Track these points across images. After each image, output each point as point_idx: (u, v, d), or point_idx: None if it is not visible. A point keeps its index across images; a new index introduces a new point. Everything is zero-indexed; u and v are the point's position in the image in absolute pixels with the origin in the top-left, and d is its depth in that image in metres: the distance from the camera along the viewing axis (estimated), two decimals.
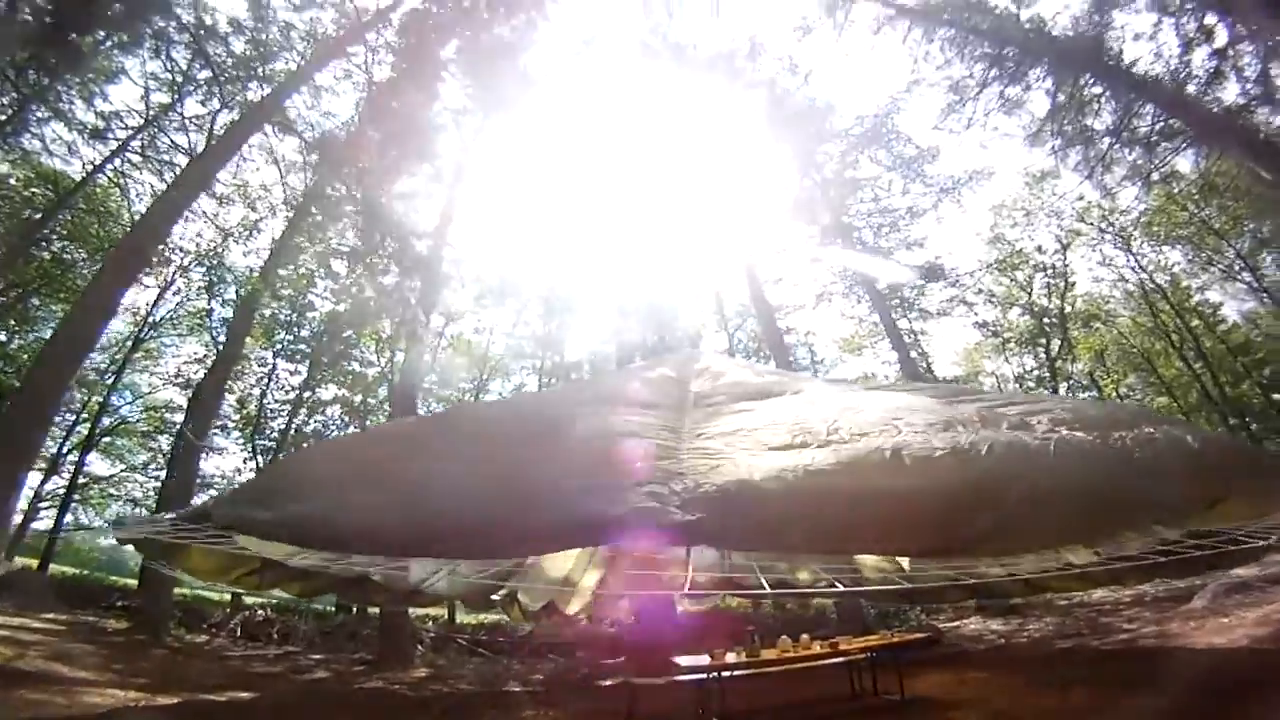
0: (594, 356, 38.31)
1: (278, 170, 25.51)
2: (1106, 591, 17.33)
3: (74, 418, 29.16)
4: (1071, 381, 37.06)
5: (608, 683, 12.33)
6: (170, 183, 20.30)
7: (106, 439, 30.39)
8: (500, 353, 37.77)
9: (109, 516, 30.49)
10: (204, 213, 26.40)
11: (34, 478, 26.67)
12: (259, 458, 27.85)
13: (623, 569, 12.29)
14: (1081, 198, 30.52)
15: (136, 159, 25.01)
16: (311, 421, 29.42)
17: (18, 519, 26.19)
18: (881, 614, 18.50)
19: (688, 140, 32.28)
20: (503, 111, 27.15)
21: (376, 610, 18.16)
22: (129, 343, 30.11)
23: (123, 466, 31.67)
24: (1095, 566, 7.69)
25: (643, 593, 12.53)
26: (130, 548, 7.58)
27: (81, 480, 29.53)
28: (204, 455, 23.58)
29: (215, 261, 29.06)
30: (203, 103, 25.08)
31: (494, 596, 11.83)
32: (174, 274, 29.03)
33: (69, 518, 29.24)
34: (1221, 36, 18.01)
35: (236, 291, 28.53)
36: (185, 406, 26.59)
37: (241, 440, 29.71)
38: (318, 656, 15.79)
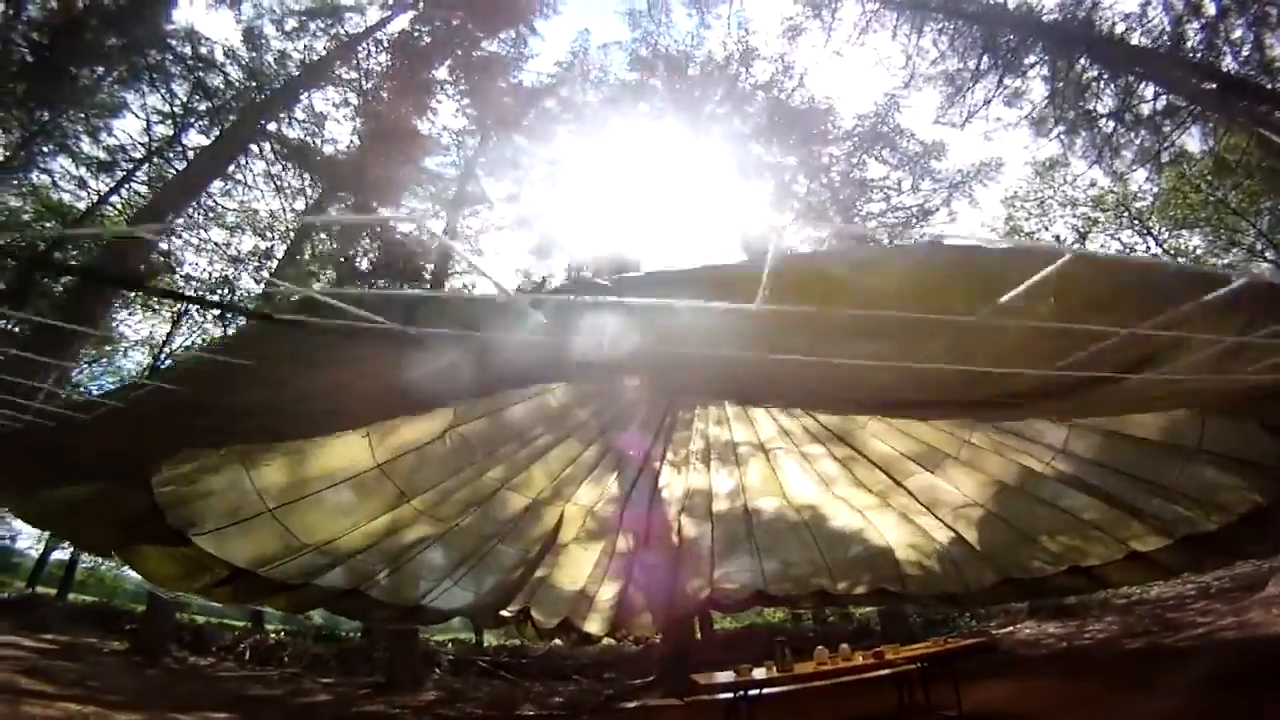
0: None
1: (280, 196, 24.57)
2: (1166, 586, 15.76)
3: None
4: None
5: (630, 705, 10.89)
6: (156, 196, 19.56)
7: None
8: None
9: None
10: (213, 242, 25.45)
11: None
12: None
13: (645, 580, 11.02)
14: (1093, 184, 29.04)
15: (143, 189, 24.35)
16: None
17: (38, 549, 25.33)
18: (928, 622, 16.92)
19: (686, 151, 31.17)
20: (500, 127, 26.26)
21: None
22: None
23: None
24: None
25: (666, 607, 11.42)
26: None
27: None
28: None
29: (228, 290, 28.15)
30: (204, 133, 24.52)
31: (504, 614, 10.49)
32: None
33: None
34: (1210, 8, 17.41)
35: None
36: None
37: None
38: (327, 680, 14.72)
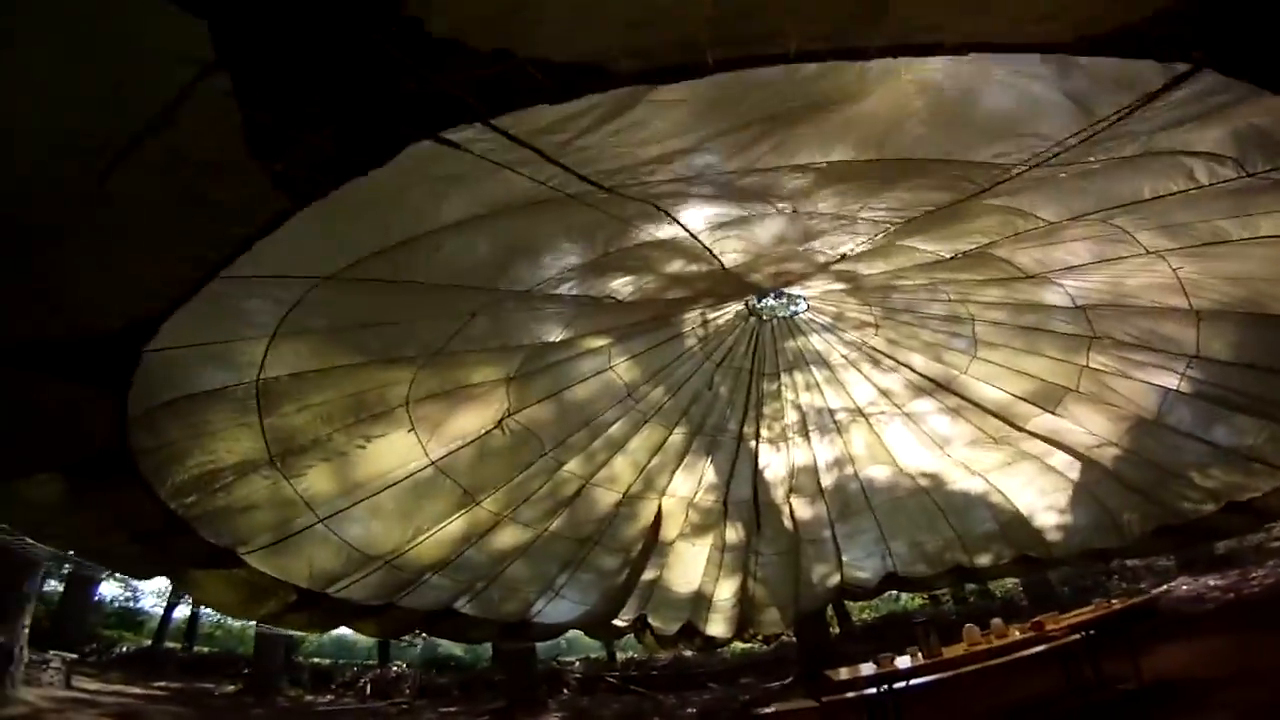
0: None
1: None
2: None
3: None
4: None
5: (765, 711, 9.70)
6: None
7: None
8: None
9: None
10: None
11: None
12: None
13: (765, 573, 9.92)
14: None
15: None
16: None
17: (161, 605, 25.89)
18: (1077, 590, 14.95)
19: None
20: None
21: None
22: None
23: None
24: None
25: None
26: None
27: None
28: None
29: None
30: None
31: (619, 623, 9.61)
32: None
33: None
34: None
35: None
36: None
37: None
38: (447, 709, 14.18)
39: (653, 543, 9.07)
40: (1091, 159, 3.69)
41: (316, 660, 19.89)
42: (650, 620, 9.99)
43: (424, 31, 2.22)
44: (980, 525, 9.54)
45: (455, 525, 6.86)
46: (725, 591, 10.01)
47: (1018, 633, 6.96)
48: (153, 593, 26.83)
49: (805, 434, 9.22)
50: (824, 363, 8.53)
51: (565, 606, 9.19)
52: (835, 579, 10.00)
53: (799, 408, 8.99)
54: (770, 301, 7.56)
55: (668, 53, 2.55)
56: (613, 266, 4.65)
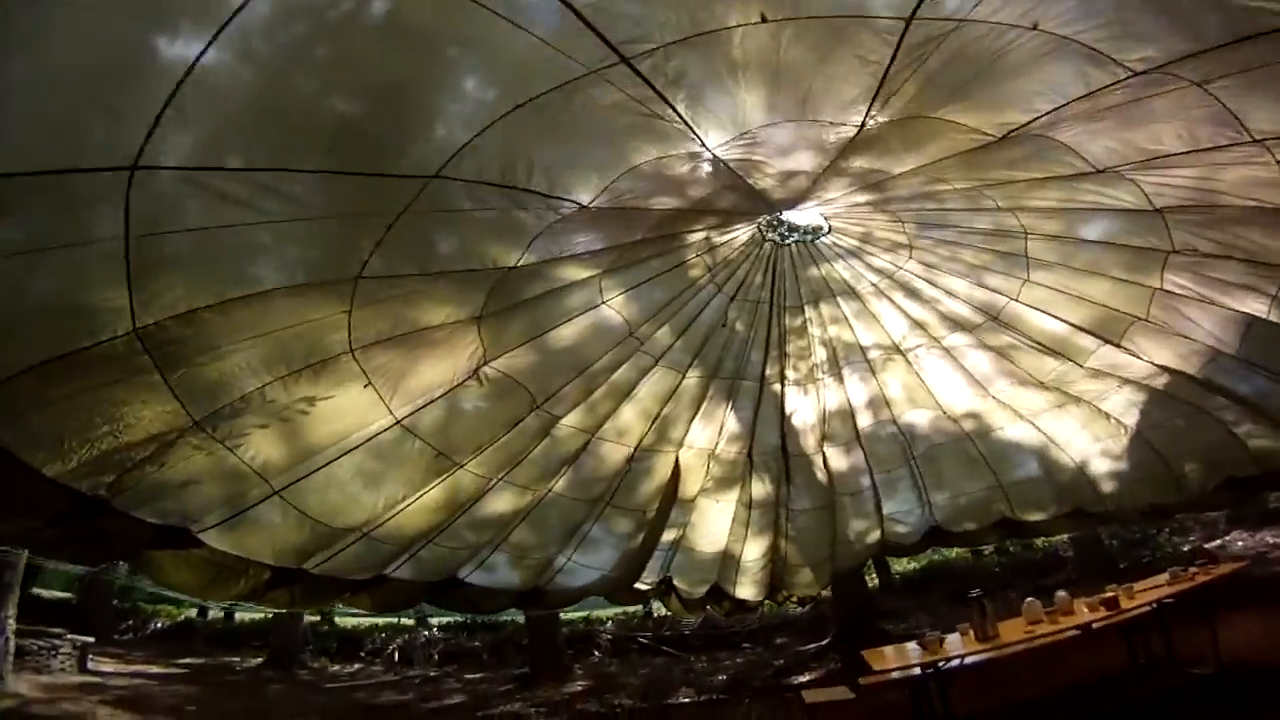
0: None
1: None
2: None
3: None
4: None
5: (799, 681, 9.01)
6: None
7: None
8: None
9: None
10: None
11: None
12: None
13: (796, 531, 9.15)
14: None
15: None
16: None
17: None
18: (1126, 543, 14.09)
19: None
20: None
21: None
22: None
23: None
24: None
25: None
26: None
27: None
28: None
29: None
30: None
31: (642, 586, 9.00)
32: None
33: None
34: None
35: None
36: None
37: None
38: (473, 675, 13.88)
39: (671, 500, 8.24)
40: None
41: (352, 625, 19.64)
42: (675, 583, 9.37)
43: None
44: (1028, 476, 8.76)
45: (437, 492, 6.04)
46: (754, 551, 9.25)
47: (1086, 609, 5.89)
48: None
49: (837, 374, 8.25)
50: (852, 293, 7.50)
51: (581, 571, 8.58)
52: (875, 535, 9.24)
53: (827, 344, 7.99)
54: (789, 217, 6.48)
55: None
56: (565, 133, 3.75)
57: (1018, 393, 8.02)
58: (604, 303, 5.92)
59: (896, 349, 7.96)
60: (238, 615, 19.63)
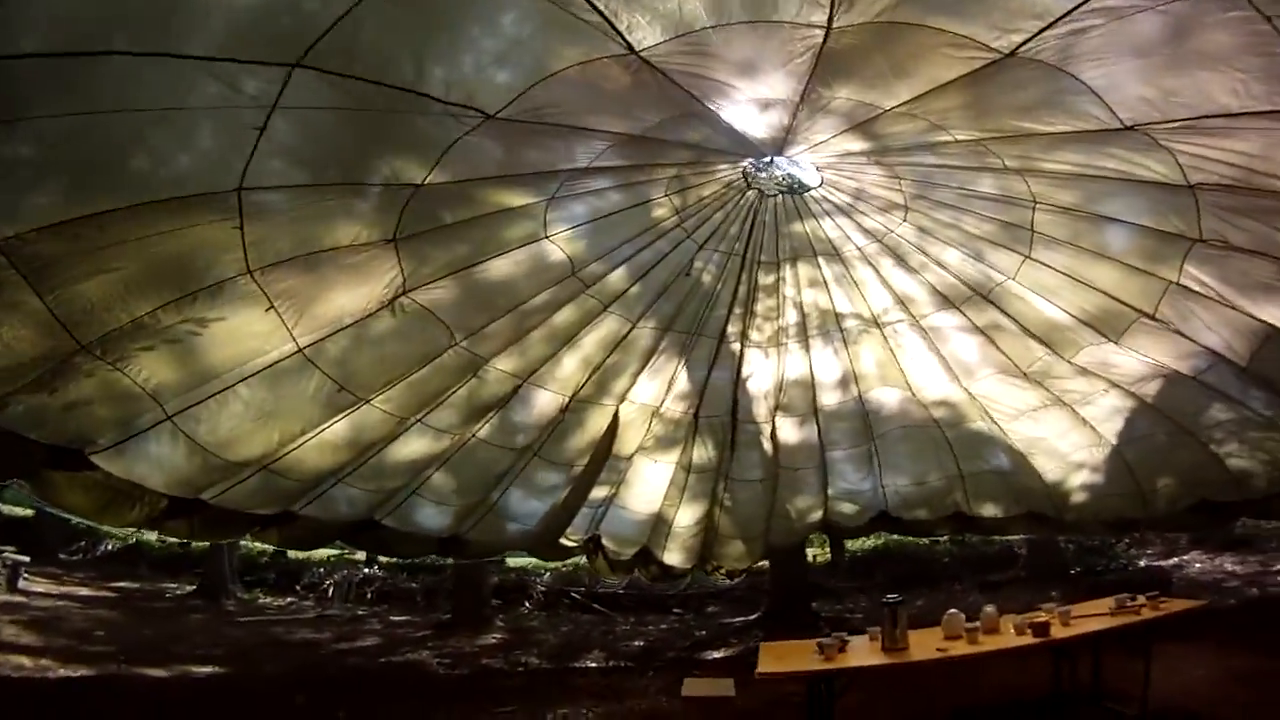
0: None
1: None
2: None
3: None
4: None
5: (723, 653, 8.88)
6: None
7: None
8: None
9: None
10: None
11: None
12: None
13: (734, 501, 9.06)
14: None
15: None
16: None
17: None
18: (1083, 549, 14.17)
19: None
20: None
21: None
22: None
23: None
24: None
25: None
26: None
27: None
28: None
29: None
30: None
31: (567, 543, 9.01)
32: None
33: None
34: None
35: None
36: None
37: None
38: (398, 618, 13.87)
39: (604, 457, 8.12)
40: None
41: (302, 557, 19.54)
42: (604, 543, 9.30)
43: None
44: (990, 471, 8.65)
45: (341, 428, 5.81)
46: (687, 517, 9.18)
47: (1012, 630, 5.52)
48: None
49: (805, 341, 8.00)
50: (836, 255, 7.10)
51: (503, 524, 8.48)
52: (818, 514, 9.25)
53: (799, 307, 7.71)
54: (782, 163, 6.06)
55: None
56: None
57: (997, 386, 7.82)
58: (546, 237, 5.52)
59: (875, 322, 7.70)
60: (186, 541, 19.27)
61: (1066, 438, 7.96)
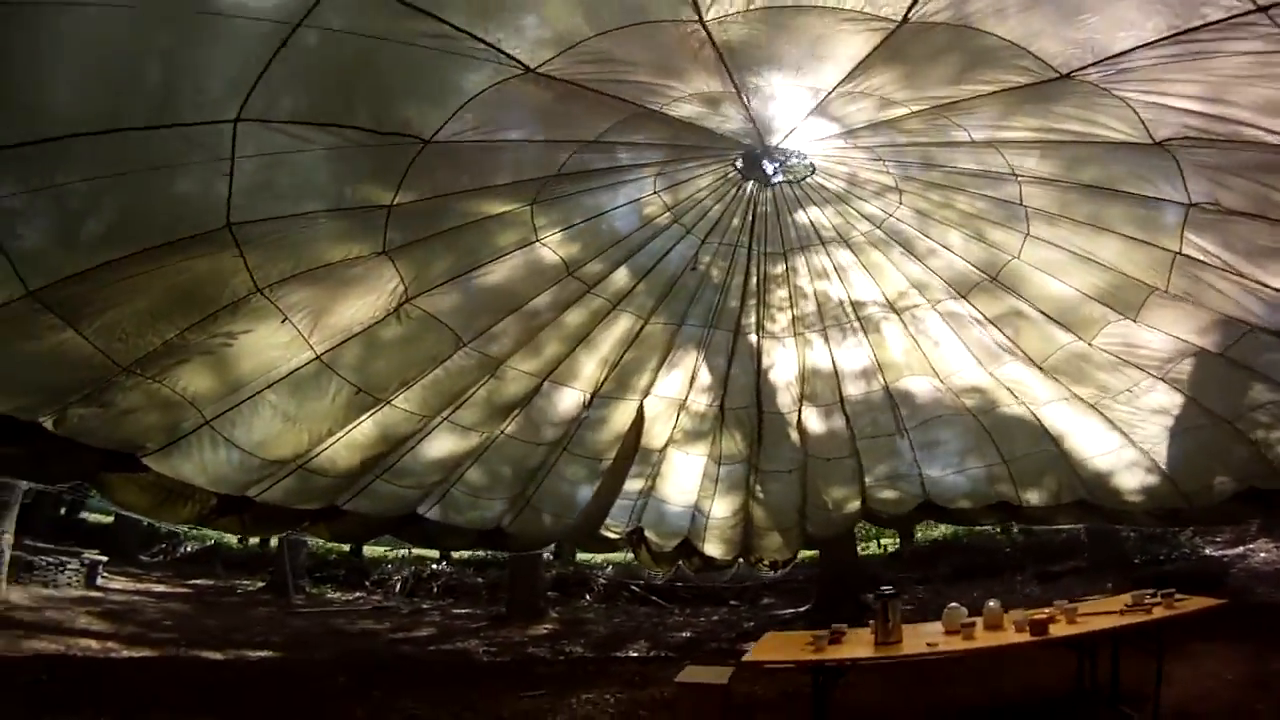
0: None
1: None
2: None
3: None
4: None
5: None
6: None
7: None
8: None
9: None
10: None
11: None
12: None
13: (766, 492, 9.26)
14: None
15: None
16: None
17: None
18: (1146, 537, 13.43)
19: None
20: None
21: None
22: None
23: None
24: None
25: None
26: None
27: None
28: None
29: None
30: None
31: (610, 534, 9.43)
32: None
33: None
34: None
35: None
36: None
37: None
38: (460, 611, 14.71)
39: (632, 449, 8.53)
40: None
41: (379, 554, 21.14)
42: (646, 534, 9.71)
43: None
44: (1035, 458, 8.47)
45: (367, 427, 6.40)
46: (723, 509, 9.52)
47: (1013, 628, 5.46)
48: None
49: (824, 331, 8.16)
50: (842, 242, 7.22)
51: (540, 517, 8.92)
52: (855, 504, 9.33)
53: (812, 297, 7.88)
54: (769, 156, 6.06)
55: None
56: None
57: (1024, 373, 7.78)
58: (538, 241, 5.99)
59: (891, 308, 7.79)
60: (253, 541, 20.79)
61: (1100, 427, 7.80)
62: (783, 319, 8.10)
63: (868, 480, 9.12)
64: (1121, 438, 7.76)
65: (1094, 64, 3.87)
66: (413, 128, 4.19)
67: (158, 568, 18.65)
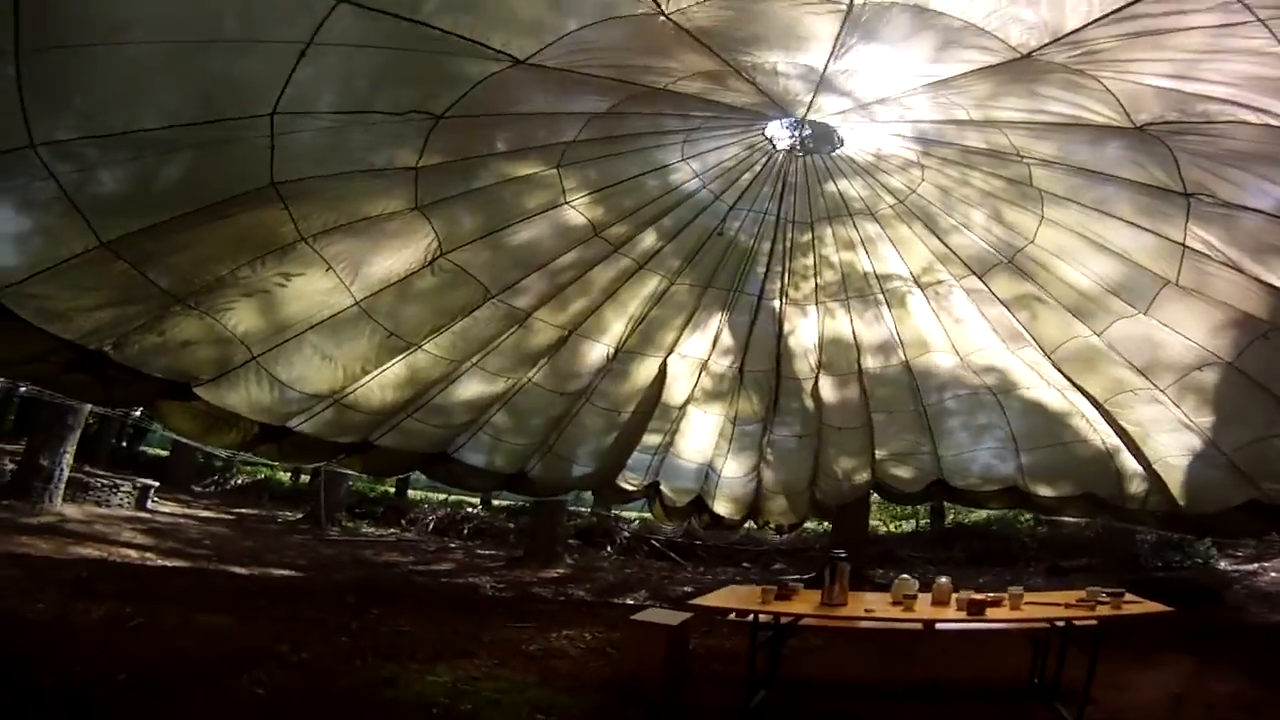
0: None
1: None
2: None
3: None
4: None
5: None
6: None
7: None
8: None
9: None
10: None
11: None
12: None
13: (776, 456, 9.70)
14: None
15: None
16: None
17: None
18: (1159, 544, 13.26)
19: None
20: None
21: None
22: None
23: None
24: None
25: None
26: None
27: None
28: None
29: None
30: None
31: (627, 486, 9.97)
32: None
33: None
34: None
35: None
36: None
37: None
38: (483, 552, 15.59)
39: (652, 405, 9.06)
40: None
41: (420, 497, 22.50)
42: (662, 489, 10.25)
43: None
44: (1050, 446, 8.66)
45: (399, 369, 7.08)
46: (734, 469, 10.02)
47: (955, 605, 5.61)
48: None
49: (845, 302, 8.43)
50: (870, 215, 7.40)
51: (563, 464, 9.56)
52: (864, 475, 9.68)
53: (837, 267, 8.12)
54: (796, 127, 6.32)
55: None
56: None
57: (1040, 358, 7.96)
58: (566, 203, 6.45)
59: (916, 282, 7.98)
60: (304, 477, 22.31)
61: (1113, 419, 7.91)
62: (805, 287, 8.36)
63: (881, 454, 9.42)
64: (1131, 435, 7.77)
65: (1052, 43, 3.91)
66: (426, 109, 4.66)
67: (207, 497, 19.87)
